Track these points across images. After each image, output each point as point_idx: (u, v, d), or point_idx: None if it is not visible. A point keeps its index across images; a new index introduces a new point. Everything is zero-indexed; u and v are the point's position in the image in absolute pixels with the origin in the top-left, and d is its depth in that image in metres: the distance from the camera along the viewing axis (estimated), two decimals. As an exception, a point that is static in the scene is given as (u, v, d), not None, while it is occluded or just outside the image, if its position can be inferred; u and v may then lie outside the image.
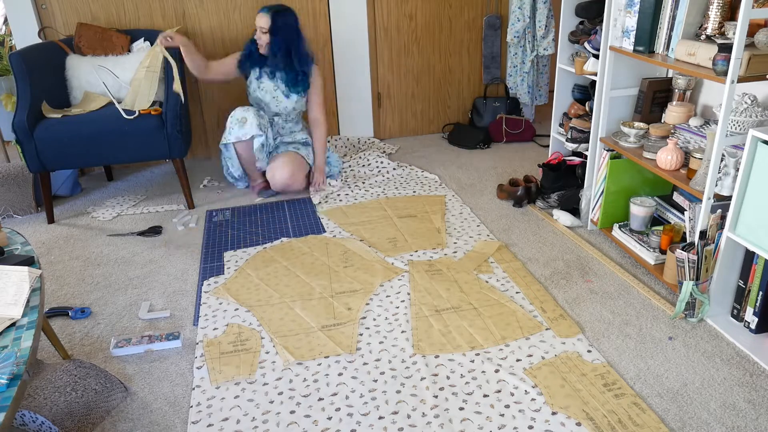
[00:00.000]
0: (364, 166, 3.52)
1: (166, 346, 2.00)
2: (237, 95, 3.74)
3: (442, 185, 3.28)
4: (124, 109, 2.96)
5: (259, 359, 1.93)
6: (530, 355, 1.91)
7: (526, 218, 2.88)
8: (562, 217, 2.79)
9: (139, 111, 2.96)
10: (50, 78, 3.06)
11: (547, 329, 2.03)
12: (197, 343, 2.02)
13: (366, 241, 2.67)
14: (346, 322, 2.10)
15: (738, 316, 2.02)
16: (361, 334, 2.04)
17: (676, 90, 2.47)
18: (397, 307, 2.18)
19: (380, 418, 1.68)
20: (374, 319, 2.12)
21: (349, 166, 3.54)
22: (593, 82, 2.75)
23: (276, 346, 1.99)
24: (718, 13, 2.03)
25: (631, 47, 2.33)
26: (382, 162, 3.52)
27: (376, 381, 1.82)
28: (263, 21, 2.93)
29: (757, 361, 1.85)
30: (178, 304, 2.27)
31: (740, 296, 2.00)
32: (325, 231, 2.80)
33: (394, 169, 3.49)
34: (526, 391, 1.75)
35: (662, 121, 2.51)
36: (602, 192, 2.60)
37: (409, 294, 2.26)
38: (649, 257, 2.34)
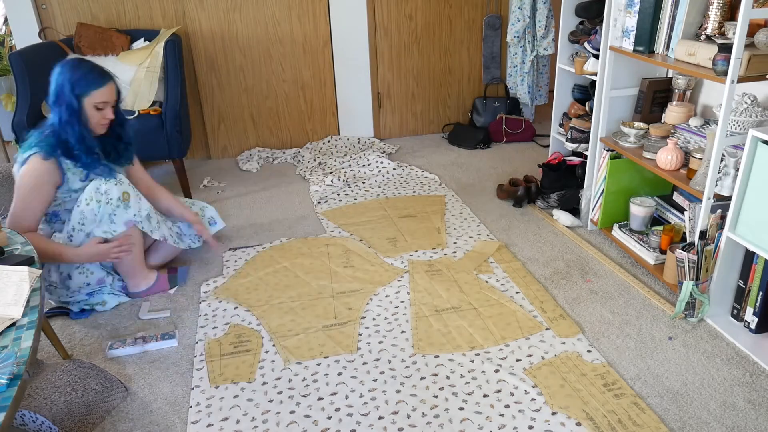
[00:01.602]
0: (364, 166, 3.52)
1: (162, 345, 2.00)
2: (237, 94, 3.74)
3: (442, 185, 3.28)
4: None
5: (259, 359, 1.93)
6: (530, 355, 1.91)
7: (526, 218, 2.88)
8: (562, 217, 2.79)
9: (138, 111, 2.96)
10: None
11: (547, 329, 2.03)
12: (197, 342, 2.02)
13: (366, 241, 2.67)
14: (347, 321, 2.10)
15: (738, 316, 2.02)
16: (360, 334, 2.04)
17: (676, 90, 2.47)
18: (397, 307, 2.18)
19: (380, 418, 1.68)
20: (374, 319, 2.12)
21: (349, 166, 3.54)
22: (593, 82, 2.75)
23: (276, 346, 1.99)
24: (718, 13, 2.03)
25: (631, 47, 2.33)
26: (382, 162, 3.52)
27: (375, 381, 1.82)
28: (112, 91, 2.05)
29: (757, 361, 1.85)
30: (178, 304, 2.27)
31: (740, 296, 2.00)
32: (325, 231, 2.80)
33: (394, 169, 3.49)
34: (526, 391, 1.75)
35: (662, 121, 2.51)
36: (602, 192, 2.60)
37: (409, 294, 2.26)
38: (649, 257, 2.34)
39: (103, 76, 2.02)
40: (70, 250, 2.05)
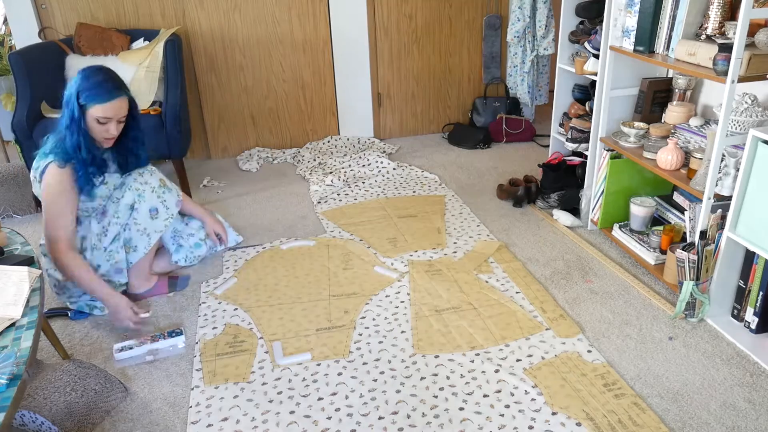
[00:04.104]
0: (364, 166, 3.52)
1: (170, 343, 1.99)
2: (237, 94, 3.74)
3: (442, 185, 3.28)
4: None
5: (258, 359, 1.93)
6: (530, 355, 1.91)
7: (526, 218, 2.88)
8: (562, 217, 2.79)
9: (139, 111, 2.96)
10: (50, 78, 3.06)
11: (547, 329, 2.03)
12: (196, 343, 2.02)
13: (366, 242, 2.67)
14: (341, 326, 2.10)
15: (738, 316, 2.02)
16: (360, 334, 2.04)
17: (676, 90, 2.47)
18: (397, 307, 2.18)
19: (380, 418, 1.68)
20: (374, 319, 2.12)
21: (349, 166, 3.54)
22: (593, 82, 2.75)
23: (268, 347, 1.98)
24: (719, 13, 2.03)
25: (631, 47, 2.33)
26: (382, 162, 3.52)
27: (375, 381, 1.82)
28: (118, 107, 1.99)
29: (757, 361, 1.85)
30: (178, 304, 2.26)
31: (740, 296, 2.00)
32: (325, 231, 2.79)
33: (394, 169, 3.49)
34: (526, 391, 1.75)
35: (662, 121, 2.51)
36: (602, 192, 2.59)
37: (409, 294, 2.26)
38: (649, 257, 2.34)
39: (112, 91, 1.96)
40: (104, 290, 2.03)
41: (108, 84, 1.97)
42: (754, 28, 1.92)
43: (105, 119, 1.97)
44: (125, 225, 2.15)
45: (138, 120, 2.14)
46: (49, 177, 1.98)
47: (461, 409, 1.70)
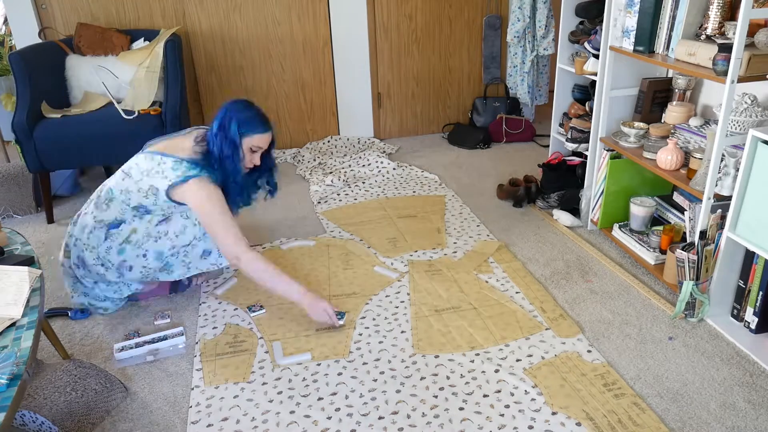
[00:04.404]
0: (364, 166, 3.52)
1: (171, 343, 1.99)
2: (237, 94, 3.73)
3: (442, 185, 3.28)
4: (123, 110, 2.96)
5: (258, 359, 1.93)
6: (530, 355, 1.91)
7: (526, 218, 2.88)
8: (562, 217, 2.79)
9: (138, 111, 2.96)
10: (50, 78, 3.06)
11: (547, 329, 2.03)
12: (197, 343, 2.02)
13: (366, 242, 2.67)
14: (342, 325, 2.09)
15: (738, 316, 2.02)
16: (360, 334, 2.04)
17: (676, 90, 2.47)
18: (397, 307, 2.18)
19: (380, 418, 1.68)
20: (374, 319, 2.12)
21: (349, 166, 3.54)
22: (593, 82, 2.75)
23: (267, 347, 1.99)
24: (718, 13, 2.03)
25: (631, 47, 2.33)
26: (382, 162, 3.52)
27: (375, 381, 1.82)
28: (267, 139, 2.15)
29: (757, 361, 1.85)
30: (178, 304, 2.27)
31: (740, 296, 2.00)
32: (325, 231, 2.79)
33: (394, 169, 3.49)
34: (526, 391, 1.75)
35: (662, 121, 2.51)
36: (602, 192, 2.60)
37: (409, 294, 2.26)
38: (649, 257, 2.34)
39: (267, 123, 2.12)
40: (301, 294, 2.04)
41: (263, 117, 2.12)
42: (753, 28, 1.92)
43: (257, 148, 2.12)
44: (173, 249, 2.10)
45: (272, 154, 2.26)
46: (206, 190, 2.00)
47: (461, 409, 1.70)
